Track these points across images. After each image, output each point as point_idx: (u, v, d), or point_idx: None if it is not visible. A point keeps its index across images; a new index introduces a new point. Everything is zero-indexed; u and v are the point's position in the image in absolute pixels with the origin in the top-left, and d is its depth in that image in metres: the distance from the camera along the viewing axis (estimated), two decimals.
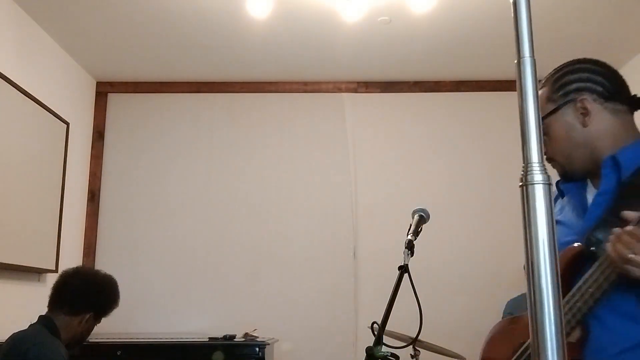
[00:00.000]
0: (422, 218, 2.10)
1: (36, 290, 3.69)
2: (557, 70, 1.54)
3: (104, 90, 4.61)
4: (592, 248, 1.32)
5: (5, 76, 3.29)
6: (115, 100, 4.63)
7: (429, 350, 3.18)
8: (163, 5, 3.49)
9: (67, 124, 4.00)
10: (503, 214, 4.35)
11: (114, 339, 3.25)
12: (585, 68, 1.49)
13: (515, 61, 1.09)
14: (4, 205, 3.26)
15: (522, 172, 1.05)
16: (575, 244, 1.36)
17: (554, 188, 1.24)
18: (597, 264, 1.28)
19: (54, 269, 3.78)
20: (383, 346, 1.66)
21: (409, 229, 2.02)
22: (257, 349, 3.25)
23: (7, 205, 3.30)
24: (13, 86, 3.36)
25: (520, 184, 1.06)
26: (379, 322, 1.70)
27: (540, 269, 0.97)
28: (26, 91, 3.50)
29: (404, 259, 1.84)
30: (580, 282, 1.31)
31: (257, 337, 3.42)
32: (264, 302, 4.29)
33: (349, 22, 3.62)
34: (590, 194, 1.46)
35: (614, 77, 1.48)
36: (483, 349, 1.71)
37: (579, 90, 1.47)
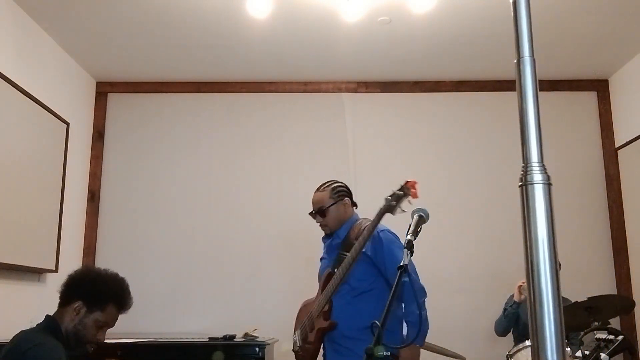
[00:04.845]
0: (422, 218, 2.10)
1: (36, 290, 3.69)
2: (326, 182, 3.01)
3: (104, 90, 4.61)
4: (334, 270, 2.81)
5: (5, 76, 3.29)
6: (115, 100, 4.63)
7: (429, 350, 3.18)
8: (163, 5, 3.49)
9: (67, 124, 4.00)
10: (503, 214, 4.35)
11: (114, 339, 3.24)
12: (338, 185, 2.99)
13: (515, 61, 1.09)
14: (4, 205, 3.26)
15: (522, 172, 1.05)
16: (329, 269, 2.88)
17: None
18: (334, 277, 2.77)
19: (54, 269, 3.78)
20: (383, 346, 1.66)
21: (409, 229, 2.02)
22: (257, 349, 3.24)
23: (7, 205, 3.30)
24: (13, 86, 3.36)
25: (520, 183, 1.06)
26: (379, 322, 1.70)
27: (540, 269, 0.97)
28: (26, 91, 3.50)
29: (404, 259, 1.85)
30: (329, 284, 2.78)
31: (257, 337, 3.42)
32: (264, 302, 4.29)
33: (349, 22, 3.62)
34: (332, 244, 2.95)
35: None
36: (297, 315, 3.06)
37: (343, 194, 2.96)
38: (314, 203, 2.97)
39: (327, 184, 2.99)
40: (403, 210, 2.66)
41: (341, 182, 3.02)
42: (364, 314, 2.68)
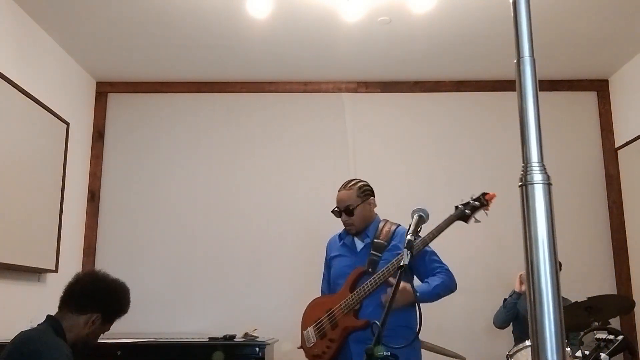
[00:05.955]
0: (422, 218, 2.10)
1: (36, 290, 3.69)
2: (351, 180, 3.00)
3: (104, 90, 4.61)
4: (369, 269, 2.79)
5: (5, 76, 3.29)
6: (115, 100, 4.63)
7: (429, 350, 3.18)
8: (163, 6, 3.49)
9: (67, 124, 4.00)
10: (503, 214, 4.34)
11: (114, 339, 3.24)
12: None
13: (515, 61, 1.09)
14: (4, 205, 3.26)
15: (522, 172, 1.05)
16: (360, 267, 2.84)
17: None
18: (372, 278, 2.73)
19: (54, 269, 3.78)
20: (383, 346, 1.66)
21: (409, 229, 2.02)
22: (257, 349, 3.24)
23: (7, 205, 3.30)
24: (13, 86, 3.36)
25: (520, 183, 1.06)
26: (379, 322, 1.70)
27: (540, 269, 0.97)
28: (26, 91, 3.50)
29: (404, 258, 1.85)
30: (363, 284, 2.74)
31: (257, 337, 3.42)
32: (264, 302, 4.29)
33: (349, 22, 3.62)
34: (358, 243, 2.95)
35: None
36: (303, 315, 3.00)
37: (369, 194, 2.97)
38: (340, 201, 2.92)
39: (353, 182, 2.97)
40: (477, 221, 2.69)
41: (365, 181, 3.01)
42: (400, 314, 2.63)
